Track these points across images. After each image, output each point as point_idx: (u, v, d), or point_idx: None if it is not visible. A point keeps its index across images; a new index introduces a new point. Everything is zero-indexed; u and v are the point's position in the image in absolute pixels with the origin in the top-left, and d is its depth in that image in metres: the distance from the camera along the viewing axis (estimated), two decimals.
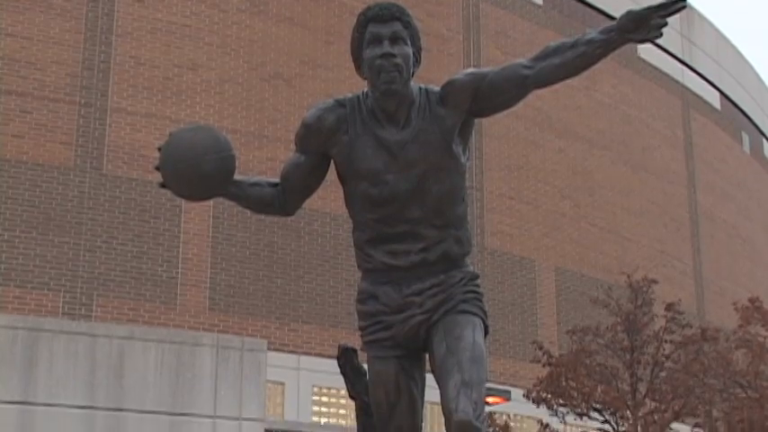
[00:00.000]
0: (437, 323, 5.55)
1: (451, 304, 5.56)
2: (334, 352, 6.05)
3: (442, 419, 5.33)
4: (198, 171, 5.51)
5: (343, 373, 5.99)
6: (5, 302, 23.01)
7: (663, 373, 21.82)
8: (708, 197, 37.34)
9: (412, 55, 5.61)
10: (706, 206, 37.09)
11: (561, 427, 21.74)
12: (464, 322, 5.52)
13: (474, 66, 28.77)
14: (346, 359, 5.95)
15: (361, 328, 5.76)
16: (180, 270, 24.90)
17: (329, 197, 21.39)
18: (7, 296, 23.17)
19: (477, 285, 5.72)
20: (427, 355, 5.66)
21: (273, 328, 25.32)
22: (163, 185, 5.67)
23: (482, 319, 5.63)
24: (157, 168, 5.63)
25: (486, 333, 5.61)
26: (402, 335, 5.61)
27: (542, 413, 22.25)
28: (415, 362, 5.68)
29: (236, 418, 15.36)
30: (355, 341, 5.94)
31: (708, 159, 38.03)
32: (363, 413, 5.91)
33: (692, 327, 22.48)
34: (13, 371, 14.47)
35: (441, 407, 5.34)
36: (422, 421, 5.75)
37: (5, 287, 23.27)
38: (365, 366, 5.86)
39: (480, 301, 5.68)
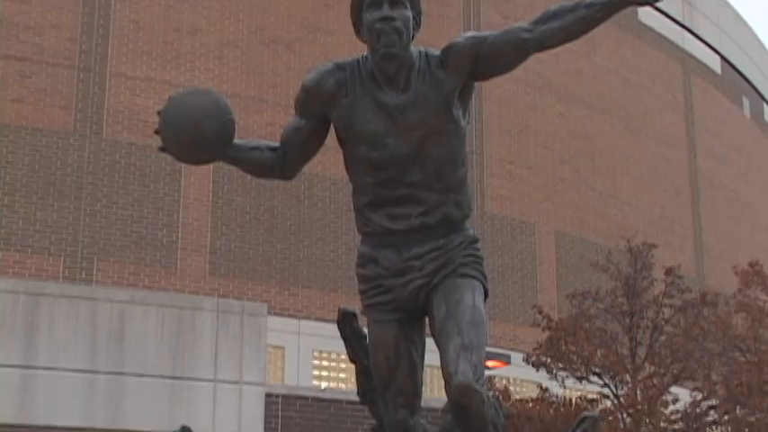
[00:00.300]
0: (437, 287, 5.55)
1: (451, 268, 5.57)
2: (335, 316, 6.06)
3: (442, 383, 5.34)
4: (198, 135, 5.50)
5: (343, 336, 6.01)
6: (6, 267, 23.04)
7: (662, 338, 21.85)
8: (708, 162, 37.31)
9: (412, 18, 5.60)
10: (706, 171, 37.06)
11: (561, 390, 21.79)
12: (464, 286, 5.52)
13: (474, 29, 28.70)
14: (346, 323, 5.96)
15: (361, 292, 5.76)
16: (180, 234, 24.92)
17: (329, 161, 21.36)
18: (8, 261, 23.20)
19: (477, 249, 5.72)
20: (427, 319, 5.67)
21: (274, 292, 25.35)
22: (162, 149, 5.67)
23: (482, 282, 5.63)
24: (157, 132, 5.62)
25: (485, 296, 5.62)
26: (402, 299, 5.62)
27: (542, 377, 22.30)
28: (414, 325, 5.69)
29: (237, 382, 15.41)
30: (355, 305, 5.95)
31: (708, 124, 37.96)
32: (363, 376, 5.93)
33: (691, 291, 22.49)
34: (14, 335, 14.51)
35: (440, 370, 5.35)
36: (422, 385, 5.77)
37: (6, 251, 23.29)
38: (365, 330, 5.87)
39: (480, 264, 5.68)
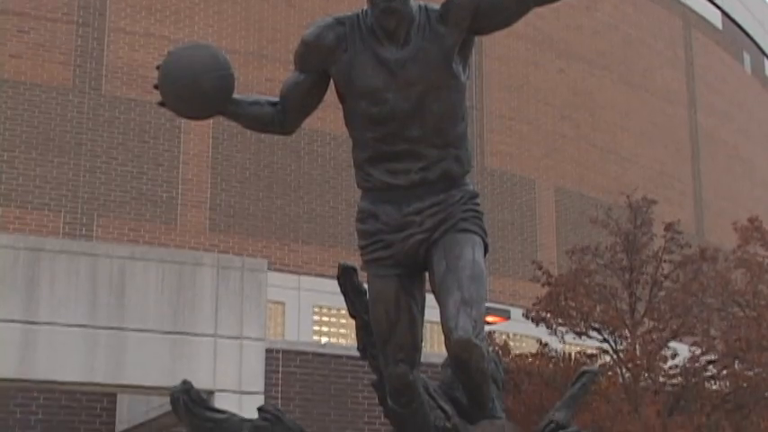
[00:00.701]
0: (437, 242, 5.55)
1: (451, 223, 5.56)
2: (335, 272, 6.06)
3: (442, 338, 5.35)
4: (197, 89, 5.49)
5: (343, 291, 6.01)
6: (6, 223, 23.05)
7: (661, 293, 21.86)
8: (708, 118, 37.23)
9: None
10: (706, 127, 36.99)
11: (560, 346, 21.83)
12: (464, 241, 5.52)
13: None
14: (346, 278, 5.97)
15: (361, 247, 5.76)
16: (180, 191, 24.91)
17: (329, 117, 21.32)
18: (8, 216, 23.20)
19: (477, 204, 5.71)
20: (427, 274, 5.67)
21: (274, 248, 25.38)
22: (162, 104, 5.65)
23: (482, 237, 5.63)
24: (156, 87, 5.61)
25: (485, 251, 5.62)
26: (402, 254, 5.61)
27: (541, 332, 22.33)
28: (414, 280, 5.69)
29: (237, 338, 15.44)
30: (356, 261, 5.96)
31: (709, 80, 37.85)
32: (364, 331, 5.94)
33: (690, 247, 22.49)
34: (14, 290, 14.52)
35: (440, 325, 5.36)
36: (422, 339, 5.78)
37: (6, 208, 23.29)
38: (365, 285, 5.88)
39: (480, 219, 5.68)
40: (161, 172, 24.82)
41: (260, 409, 5.79)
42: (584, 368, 6.42)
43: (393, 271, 5.63)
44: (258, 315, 15.82)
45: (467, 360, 5.30)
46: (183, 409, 5.86)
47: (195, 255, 18.65)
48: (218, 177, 25.34)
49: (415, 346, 5.69)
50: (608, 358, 21.24)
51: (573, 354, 21.38)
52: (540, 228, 30.20)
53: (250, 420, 5.79)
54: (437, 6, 5.60)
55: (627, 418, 19.54)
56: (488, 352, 5.52)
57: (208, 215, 25.08)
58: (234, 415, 5.93)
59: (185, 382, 5.91)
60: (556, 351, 21.50)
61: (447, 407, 5.89)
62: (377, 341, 5.74)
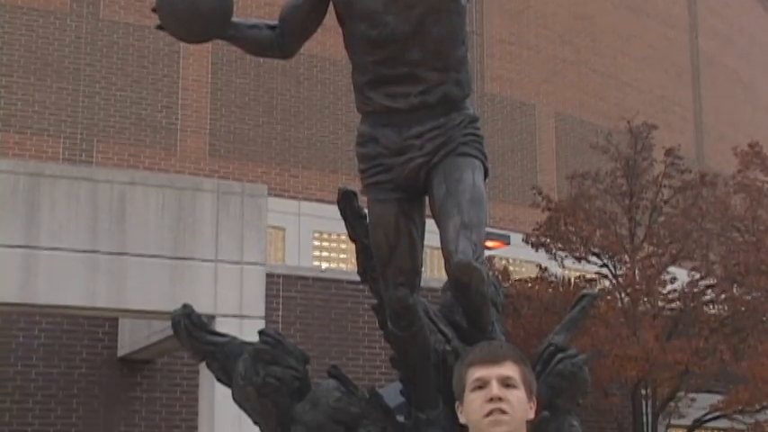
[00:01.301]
0: (437, 165, 5.54)
1: (451, 147, 5.55)
2: (335, 197, 6.06)
3: (443, 263, 5.36)
4: (195, 11, 5.45)
5: (343, 216, 6.01)
6: (6, 148, 23.03)
7: (661, 218, 21.92)
8: (710, 42, 37.03)
9: None
10: (707, 51, 36.80)
11: (560, 270, 21.92)
12: (464, 165, 5.51)
13: None
14: (346, 202, 5.96)
15: (361, 171, 5.76)
16: (179, 116, 24.85)
17: (328, 42, 21.22)
18: (7, 142, 23.18)
19: (477, 128, 5.70)
20: (427, 198, 5.67)
21: (274, 173, 25.38)
22: (160, 27, 5.62)
23: (482, 161, 5.62)
24: (155, 10, 5.57)
25: (485, 175, 5.61)
26: (402, 177, 5.61)
27: (541, 257, 22.42)
28: (414, 204, 5.69)
29: (238, 263, 15.48)
30: (356, 185, 5.96)
31: (710, 3, 37.60)
32: (364, 255, 5.95)
33: (690, 172, 22.51)
34: (15, 215, 14.53)
35: (440, 249, 5.37)
36: (422, 264, 5.79)
37: (5, 133, 23.25)
38: (365, 210, 5.88)
39: (480, 143, 5.67)
40: (160, 97, 24.75)
41: (261, 333, 5.81)
42: (584, 292, 6.44)
43: (393, 195, 5.63)
44: (258, 240, 15.84)
45: (467, 283, 5.31)
46: (184, 333, 5.89)
47: (195, 180, 18.65)
48: (217, 103, 25.27)
49: (415, 269, 5.70)
50: (607, 283, 21.33)
51: (572, 278, 21.48)
52: (540, 153, 30.18)
53: (251, 344, 5.82)
54: None
55: (626, 341, 19.67)
56: (488, 275, 5.53)
57: (207, 140, 25.05)
58: (234, 338, 5.96)
59: (186, 306, 5.93)
60: (555, 276, 21.59)
61: (447, 330, 5.92)
62: (377, 265, 5.75)
